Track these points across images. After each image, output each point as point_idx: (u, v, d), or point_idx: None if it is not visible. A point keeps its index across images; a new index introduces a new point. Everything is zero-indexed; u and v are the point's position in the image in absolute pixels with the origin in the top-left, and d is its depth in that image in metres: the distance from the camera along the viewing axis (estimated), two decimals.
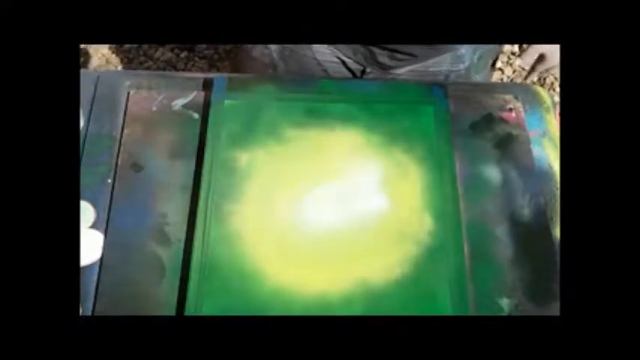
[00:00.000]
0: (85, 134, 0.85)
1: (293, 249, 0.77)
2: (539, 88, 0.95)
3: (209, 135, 0.83)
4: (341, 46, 1.00)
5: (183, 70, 1.77)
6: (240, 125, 0.85)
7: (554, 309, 0.75)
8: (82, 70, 0.83)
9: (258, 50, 1.02)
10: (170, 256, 0.77)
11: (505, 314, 0.75)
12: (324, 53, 1.00)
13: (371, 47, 0.98)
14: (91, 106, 0.87)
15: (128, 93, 0.89)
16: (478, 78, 1.06)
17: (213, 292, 0.73)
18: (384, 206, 0.80)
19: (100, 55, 1.79)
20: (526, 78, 1.08)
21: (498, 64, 1.79)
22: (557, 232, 0.80)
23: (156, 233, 0.78)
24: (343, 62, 1.01)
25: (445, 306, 0.74)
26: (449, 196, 0.80)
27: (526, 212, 0.82)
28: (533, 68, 1.03)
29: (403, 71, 1.01)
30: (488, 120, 0.89)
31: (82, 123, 0.85)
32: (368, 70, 1.01)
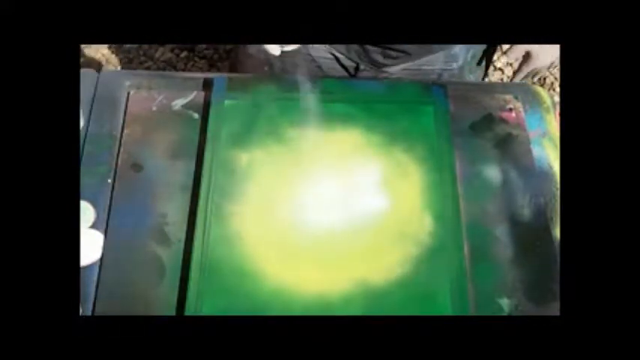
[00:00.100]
0: (85, 134, 0.85)
1: (293, 249, 0.77)
2: (539, 88, 0.95)
3: (209, 135, 0.83)
4: None
5: (183, 70, 1.77)
6: (240, 125, 0.85)
7: (554, 309, 0.75)
8: (82, 70, 0.84)
9: (254, 47, 1.02)
10: (170, 256, 0.77)
11: (505, 314, 0.75)
12: (319, 49, 1.00)
13: (365, 45, 0.98)
14: (91, 106, 0.87)
15: (128, 93, 0.89)
16: (472, 77, 1.05)
17: (213, 292, 0.73)
18: (384, 206, 0.80)
19: (100, 55, 1.79)
20: (511, 80, 1.07)
21: (498, 65, 1.79)
22: (557, 232, 0.80)
23: (156, 233, 0.78)
24: (337, 59, 1.01)
25: (445, 306, 0.74)
26: (449, 196, 0.80)
27: (526, 212, 0.82)
28: (519, 69, 1.02)
29: (396, 69, 1.01)
30: (488, 120, 0.89)
31: (82, 123, 0.85)
32: (361, 67, 1.01)
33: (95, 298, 0.74)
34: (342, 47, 1.00)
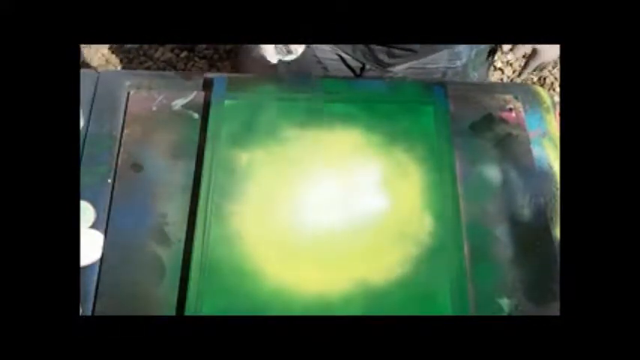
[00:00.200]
0: (85, 134, 0.85)
1: (293, 249, 0.77)
2: (539, 88, 0.95)
3: (209, 135, 0.83)
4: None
5: (183, 70, 1.77)
6: (240, 125, 0.85)
7: (554, 309, 0.75)
8: (82, 70, 0.84)
9: (258, 50, 1.02)
10: (170, 256, 0.77)
11: (505, 314, 0.75)
12: (324, 51, 1.01)
13: (370, 44, 0.98)
14: (91, 106, 0.87)
15: (128, 93, 0.89)
16: (475, 75, 1.06)
17: (213, 292, 0.73)
18: (384, 206, 0.80)
19: (100, 55, 1.79)
20: (519, 75, 1.07)
21: (498, 64, 1.79)
22: (557, 232, 0.80)
23: (156, 233, 0.78)
24: (343, 59, 1.01)
25: (445, 306, 0.73)
26: (449, 196, 0.80)
27: (526, 212, 0.82)
28: (526, 64, 1.03)
29: (401, 68, 1.01)
30: (489, 120, 0.89)
31: (82, 123, 0.85)
32: (367, 67, 1.01)
33: (95, 298, 0.74)
34: (347, 48, 1.00)
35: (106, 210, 0.79)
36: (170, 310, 0.73)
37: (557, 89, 1.75)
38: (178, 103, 0.89)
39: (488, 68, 1.11)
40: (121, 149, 0.84)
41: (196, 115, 0.88)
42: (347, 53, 1.01)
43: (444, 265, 0.76)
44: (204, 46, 1.81)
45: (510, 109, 0.91)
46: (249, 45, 1.03)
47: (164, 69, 1.76)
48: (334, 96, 0.89)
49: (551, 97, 0.94)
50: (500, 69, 1.80)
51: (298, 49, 0.85)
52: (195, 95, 0.89)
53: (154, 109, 0.88)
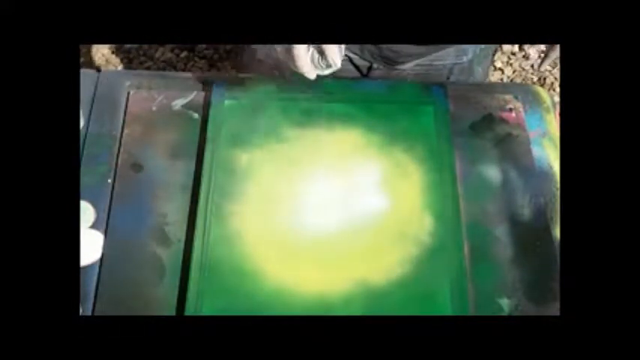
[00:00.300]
0: (85, 134, 0.85)
1: (293, 249, 0.77)
2: (539, 88, 0.95)
3: (209, 135, 0.83)
4: None
5: (183, 70, 1.77)
6: (240, 125, 0.85)
7: (554, 309, 0.75)
8: (82, 70, 0.84)
9: (263, 52, 1.01)
10: (170, 256, 0.77)
11: (505, 314, 0.75)
12: None
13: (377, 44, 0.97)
14: (91, 105, 0.87)
15: (128, 93, 0.89)
16: (479, 69, 1.05)
17: (213, 292, 0.73)
18: (384, 206, 0.80)
19: (100, 55, 1.79)
20: (539, 67, 1.06)
21: (498, 64, 1.79)
22: (557, 232, 0.80)
23: (156, 233, 0.78)
24: (350, 59, 1.01)
25: (445, 306, 0.73)
26: (449, 196, 0.80)
27: (526, 212, 0.82)
28: (546, 55, 1.02)
29: (409, 66, 1.01)
30: (489, 120, 0.89)
31: (82, 123, 0.85)
32: (374, 66, 1.01)
33: (95, 298, 0.74)
34: (355, 47, 1.00)
35: (106, 210, 0.79)
36: (170, 310, 0.73)
37: (557, 89, 1.75)
38: (178, 103, 0.89)
39: (491, 61, 1.10)
40: (121, 149, 0.84)
41: (196, 115, 0.88)
42: (354, 53, 1.01)
43: (444, 265, 0.76)
44: (204, 46, 1.81)
45: (510, 109, 0.91)
46: (254, 46, 1.03)
47: (164, 69, 1.76)
48: (334, 96, 0.89)
49: (551, 97, 0.94)
50: (500, 69, 1.80)
51: (337, 62, 0.78)
52: (195, 95, 0.89)
53: (154, 109, 0.88)
